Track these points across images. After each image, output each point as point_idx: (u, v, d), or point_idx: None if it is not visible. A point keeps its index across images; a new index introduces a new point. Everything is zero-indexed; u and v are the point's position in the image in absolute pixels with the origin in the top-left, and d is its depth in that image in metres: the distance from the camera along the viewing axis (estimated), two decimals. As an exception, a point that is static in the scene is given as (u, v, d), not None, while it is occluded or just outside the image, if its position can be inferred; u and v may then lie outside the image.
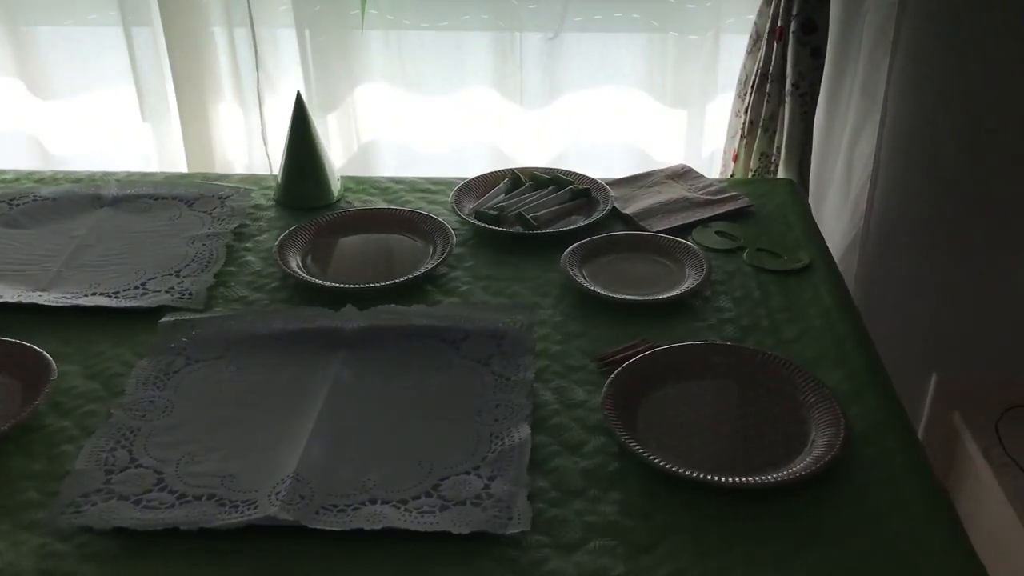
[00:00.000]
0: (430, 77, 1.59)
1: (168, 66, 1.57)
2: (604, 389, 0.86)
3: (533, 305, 1.03)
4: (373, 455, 0.81)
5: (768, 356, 0.91)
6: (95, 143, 1.73)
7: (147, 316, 1.01)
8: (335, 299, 1.02)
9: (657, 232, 1.16)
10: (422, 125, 1.65)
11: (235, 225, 1.21)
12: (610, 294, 1.03)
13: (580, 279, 1.05)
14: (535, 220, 1.18)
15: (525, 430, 0.83)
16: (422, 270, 1.09)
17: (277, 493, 0.75)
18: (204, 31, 1.55)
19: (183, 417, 0.86)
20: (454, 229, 1.16)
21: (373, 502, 0.76)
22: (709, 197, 1.24)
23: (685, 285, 1.04)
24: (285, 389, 0.90)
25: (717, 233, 1.16)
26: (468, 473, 0.79)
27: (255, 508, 0.74)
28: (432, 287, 1.07)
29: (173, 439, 0.83)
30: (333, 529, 0.73)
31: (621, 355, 0.93)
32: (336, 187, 1.29)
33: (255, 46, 1.55)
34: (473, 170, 1.32)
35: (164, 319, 0.99)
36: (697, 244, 1.13)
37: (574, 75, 1.58)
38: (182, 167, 1.65)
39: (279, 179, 1.28)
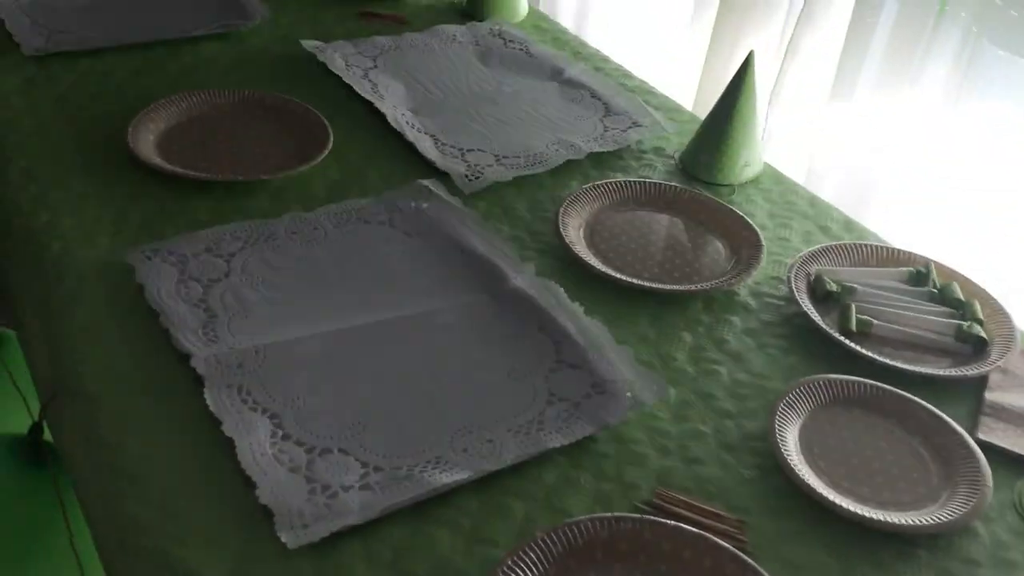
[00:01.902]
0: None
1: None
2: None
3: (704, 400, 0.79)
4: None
5: None
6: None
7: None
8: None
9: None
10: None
11: (606, 149, 1.12)
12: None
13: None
14: (862, 326, 0.88)
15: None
16: (697, 285, 0.90)
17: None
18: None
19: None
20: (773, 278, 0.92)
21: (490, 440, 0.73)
22: None
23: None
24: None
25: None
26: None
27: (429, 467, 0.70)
28: (696, 311, 0.88)
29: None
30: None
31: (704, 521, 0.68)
32: (746, 170, 1.10)
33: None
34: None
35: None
36: None
37: None
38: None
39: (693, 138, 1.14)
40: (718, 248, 1.00)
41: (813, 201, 1.09)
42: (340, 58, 1.25)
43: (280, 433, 0.72)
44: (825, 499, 0.71)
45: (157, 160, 1.01)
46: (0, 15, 1.25)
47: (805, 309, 0.89)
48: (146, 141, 1.04)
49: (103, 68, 1.19)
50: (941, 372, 0.84)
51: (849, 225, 1.05)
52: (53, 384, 0.78)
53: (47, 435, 0.80)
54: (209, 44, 1.28)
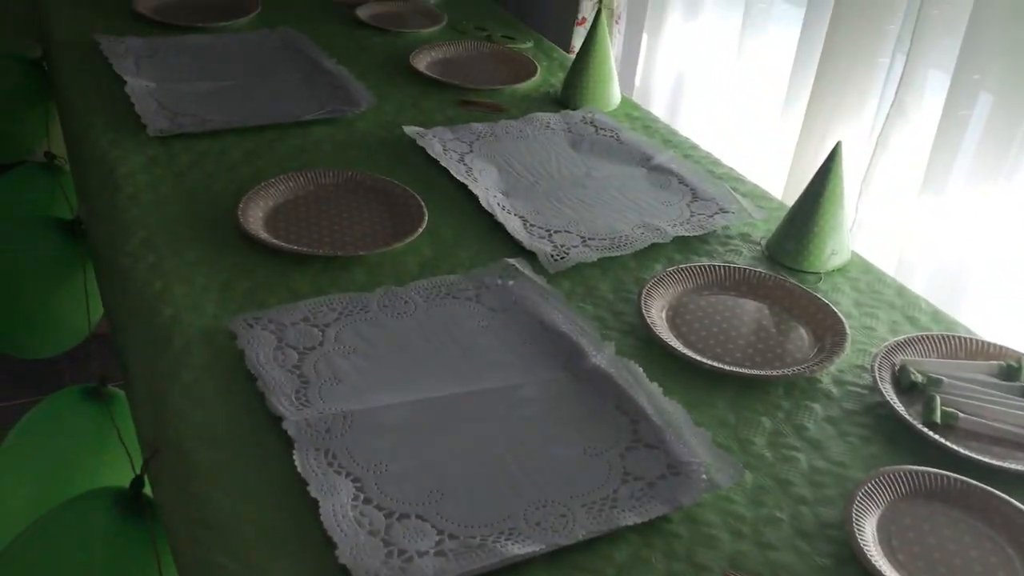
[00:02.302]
0: None
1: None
2: None
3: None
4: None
5: None
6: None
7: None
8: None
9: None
10: None
11: (692, 234, 1.15)
12: None
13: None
14: (947, 418, 0.87)
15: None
16: (779, 371, 0.91)
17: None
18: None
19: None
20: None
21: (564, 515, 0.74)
22: None
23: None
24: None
25: None
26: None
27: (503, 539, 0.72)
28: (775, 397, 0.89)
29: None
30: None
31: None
32: (833, 258, 1.11)
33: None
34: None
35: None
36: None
37: None
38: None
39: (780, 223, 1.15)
40: (802, 335, 1.00)
41: (901, 291, 1.09)
42: (438, 143, 1.32)
43: (362, 497, 0.75)
44: (903, 593, 0.69)
45: (264, 235, 1.07)
46: (131, 99, 1.36)
47: (888, 399, 0.88)
48: (255, 217, 1.11)
49: (219, 148, 1.28)
50: (1030, 469, 0.81)
51: (937, 316, 1.04)
52: (155, 441, 0.83)
53: (147, 490, 0.85)
54: (317, 128, 1.36)
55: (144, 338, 0.93)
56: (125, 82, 1.41)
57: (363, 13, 1.81)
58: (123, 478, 0.94)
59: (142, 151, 1.25)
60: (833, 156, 1.09)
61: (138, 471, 0.83)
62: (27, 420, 1.02)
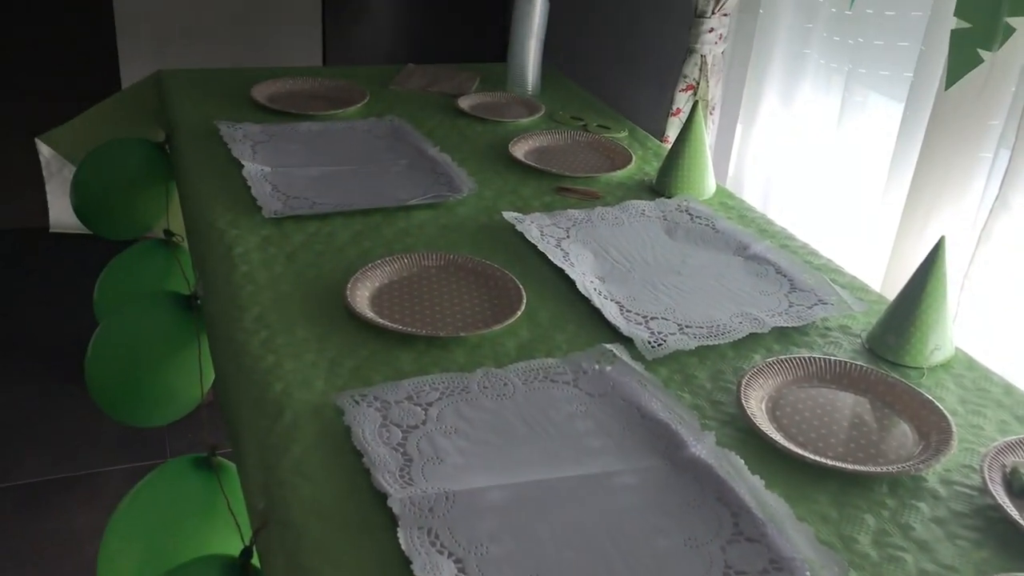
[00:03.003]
0: None
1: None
2: None
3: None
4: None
5: None
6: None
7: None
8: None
9: None
10: None
11: (791, 325, 1.14)
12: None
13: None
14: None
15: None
16: (883, 468, 0.90)
17: None
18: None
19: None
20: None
21: None
22: None
23: None
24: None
25: None
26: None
27: None
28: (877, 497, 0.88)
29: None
30: None
31: None
32: (935, 353, 1.09)
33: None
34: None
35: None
36: None
37: None
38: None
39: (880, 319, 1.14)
40: (905, 431, 0.98)
41: (1009, 390, 1.06)
42: (536, 228, 1.35)
43: (463, 577, 0.76)
44: None
45: (370, 314, 1.11)
46: (248, 182, 1.44)
47: (1000, 502, 0.86)
48: (362, 296, 1.16)
49: (329, 230, 1.34)
50: None
51: (1050, 417, 1.01)
52: (265, 513, 0.85)
53: (255, 560, 0.87)
54: (421, 212, 1.41)
55: (256, 411, 0.97)
56: (242, 166, 1.49)
57: (464, 103, 1.88)
58: (231, 547, 0.97)
59: (257, 231, 1.32)
60: (937, 250, 1.09)
61: (247, 542, 0.86)
62: (141, 487, 1.07)
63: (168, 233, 1.56)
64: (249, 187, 1.43)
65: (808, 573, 0.77)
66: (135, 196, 1.65)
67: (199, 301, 1.29)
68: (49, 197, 1.94)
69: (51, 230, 1.96)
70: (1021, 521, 0.84)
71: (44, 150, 1.91)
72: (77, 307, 2.70)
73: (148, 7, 2.96)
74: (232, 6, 3.05)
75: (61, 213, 1.95)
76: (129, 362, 1.29)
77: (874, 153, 1.62)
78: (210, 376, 1.33)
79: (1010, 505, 0.86)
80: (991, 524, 0.86)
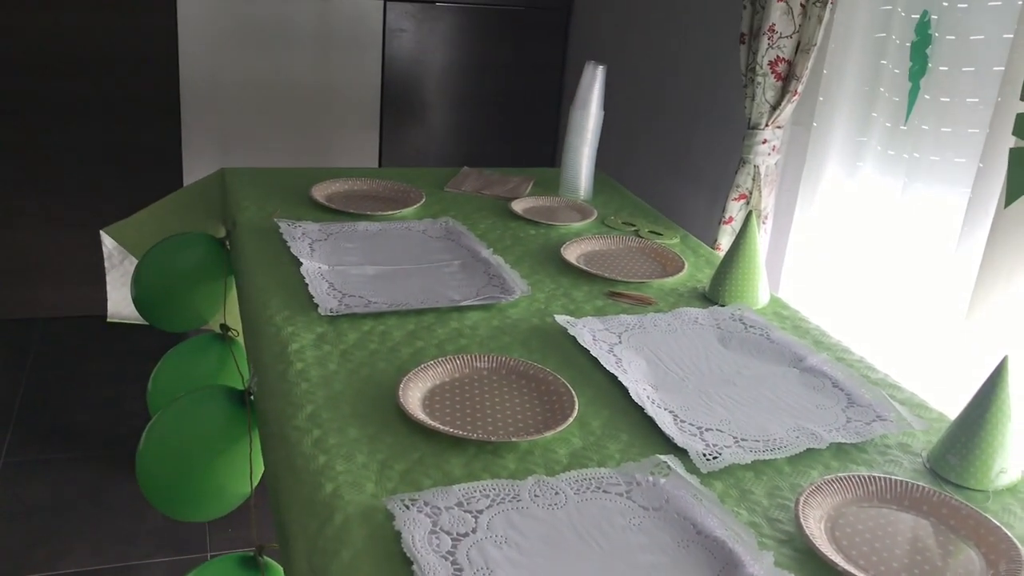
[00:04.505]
0: None
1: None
2: None
3: None
4: None
5: None
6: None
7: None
8: None
9: None
10: None
11: (849, 441, 1.12)
12: None
13: None
14: None
15: None
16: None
17: None
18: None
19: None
20: None
21: None
22: None
23: None
24: None
25: None
26: None
27: None
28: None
29: None
30: None
31: None
32: (1001, 476, 1.06)
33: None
34: None
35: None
36: None
37: None
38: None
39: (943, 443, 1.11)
40: (971, 557, 0.94)
41: (1081, 517, 1.02)
42: (588, 332, 1.35)
43: None
44: None
45: (422, 416, 1.11)
46: (305, 279, 1.46)
47: (1077, 639, 0.81)
48: (414, 397, 1.16)
49: (382, 329, 1.35)
50: None
51: None
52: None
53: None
54: (474, 313, 1.42)
55: (306, 512, 0.96)
56: (301, 263, 1.52)
57: (518, 207, 1.91)
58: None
59: (312, 328, 1.33)
60: (1000, 370, 1.06)
61: (292, 647, 0.84)
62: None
63: (224, 327, 1.59)
64: (307, 284, 1.46)
65: None
66: (194, 289, 1.69)
67: (252, 397, 1.30)
68: (109, 288, 1.99)
69: (108, 319, 2.00)
70: (1101, 662, 0.79)
71: (108, 242, 1.97)
72: (132, 398, 2.74)
73: (213, 106, 3.08)
74: (294, 109, 3.17)
75: (119, 304, 2.00)
76: (180, 456, 1.30)
77: (927, 270, 1.61)
78: (259, 472, 1.33)
79: (1088, 643, 0.81)
80: (1069, 663, 0.81)
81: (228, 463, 1.27)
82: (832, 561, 0.90)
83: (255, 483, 1.33)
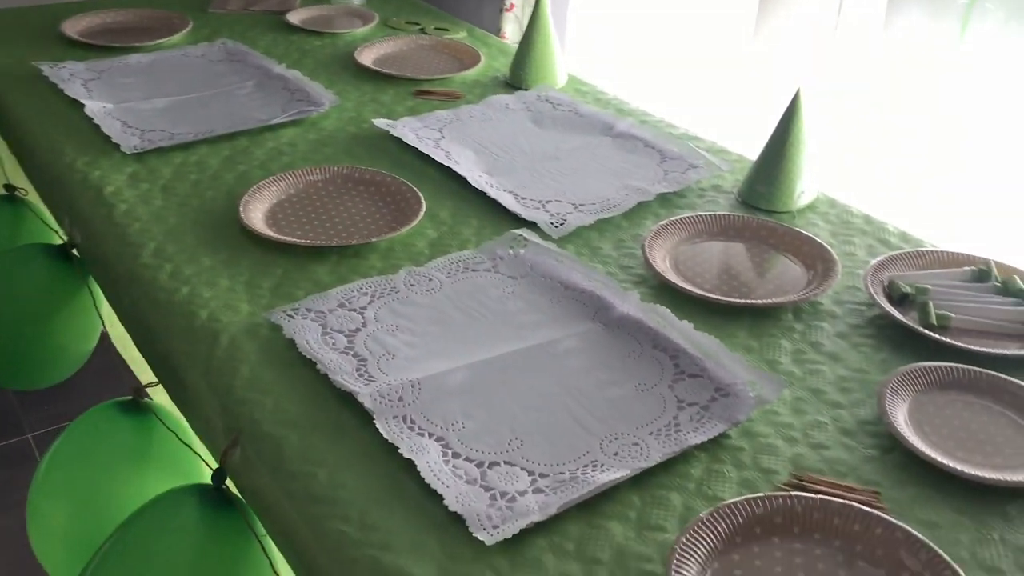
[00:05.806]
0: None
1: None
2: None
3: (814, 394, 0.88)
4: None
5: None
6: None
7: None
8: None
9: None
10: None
11: (671, 190, 1.23)
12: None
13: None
14: (942, 320, 0.97)
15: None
16: (787, 298, 0.99)
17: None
18: None
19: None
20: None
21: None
22: None
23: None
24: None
25: None
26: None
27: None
28: (775, 327, 0.97)
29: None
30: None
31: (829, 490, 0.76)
32: (802, 197, 1.21)
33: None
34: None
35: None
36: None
37: None
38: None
39: (749, 172, 1.24)
40: (795, 266, 1.09)
41: (868, 219, 1.19)
42: (410, 132, 1.36)
43: (450, 452, 0.80)
44: (947, 466, 0.78)
45: (271, 233, 1.10)
46: (94, 120, 1.35)
47: (888, 310, 0.98)
48: (257, 218, 1.13)
49: (196, 159, 1.29)
50: (1022, 353, 0.92)
51: (905, 237, 1.15)
52: (229, 432, 0.85)
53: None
54: (287, 130, 1.38)
55: (189, 341, 0.95)
56: (83, 105, 1.39)
57: (294, 18, 1.82)
58: (196, 476, 0.96)
59: (121, 169, 1.25)
60: (794, 103, 1.19)
61: (218, 464, 0.85)
62: (62, 441, 1.02)
63: (10, 187, 1.45)
64: (97, 126, 1.35)
65: (752, 393, 0.86)
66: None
67: (75, 249, 1.22)
68: None
69: None
70: (907, 322, 0.96)
71: None
72: None
73: None
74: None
75: None
76: (13, 323, 1.21)
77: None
78: (98, 325, 1.27)
79: (895, 312, 0.98)
80: (882, 330, 0.98)
81: (65, 321, 1.20)
82: (686, 288, 1.02)
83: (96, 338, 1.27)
